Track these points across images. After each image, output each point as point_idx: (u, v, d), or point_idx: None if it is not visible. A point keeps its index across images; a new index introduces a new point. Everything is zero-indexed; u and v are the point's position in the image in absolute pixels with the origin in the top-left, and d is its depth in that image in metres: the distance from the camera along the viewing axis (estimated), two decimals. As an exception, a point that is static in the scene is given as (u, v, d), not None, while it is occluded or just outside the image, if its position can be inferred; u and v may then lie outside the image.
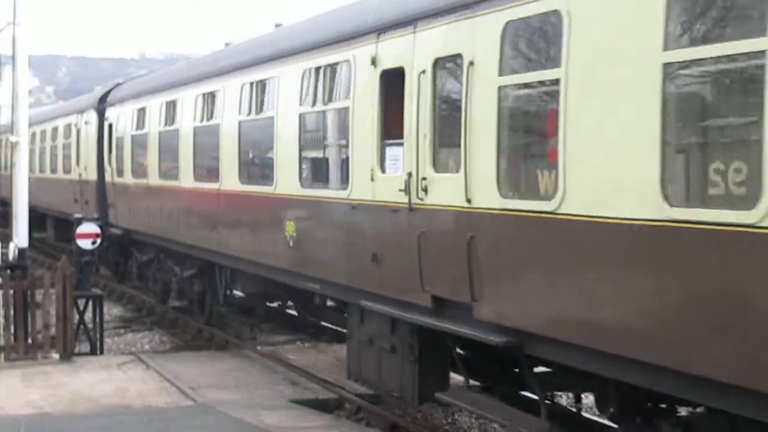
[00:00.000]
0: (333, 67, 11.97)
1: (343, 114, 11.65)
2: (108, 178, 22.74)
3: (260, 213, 14.20)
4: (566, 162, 7.76)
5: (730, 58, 6.35)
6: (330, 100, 12.10)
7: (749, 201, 6.17)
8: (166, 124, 18.44)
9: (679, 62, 6.73)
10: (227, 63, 15.78)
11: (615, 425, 9.04)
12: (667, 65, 6.77)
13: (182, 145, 17.36)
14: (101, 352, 16.15)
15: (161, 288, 20.35)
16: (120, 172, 21.65)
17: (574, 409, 10.89)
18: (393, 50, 10.50)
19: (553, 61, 7.97)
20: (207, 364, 15.01)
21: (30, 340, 15.30)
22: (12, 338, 15.41)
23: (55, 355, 15.24)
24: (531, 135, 8.61)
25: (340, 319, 15.84)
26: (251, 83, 14.45)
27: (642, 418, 8.54)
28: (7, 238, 17.49)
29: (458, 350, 10.78)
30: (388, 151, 10.68)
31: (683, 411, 8.40)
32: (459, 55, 9.26)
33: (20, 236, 16.51)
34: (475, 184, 8.95)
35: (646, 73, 6.90)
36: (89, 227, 16.68)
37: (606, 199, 7.37)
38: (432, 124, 9.75)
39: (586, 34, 7.60)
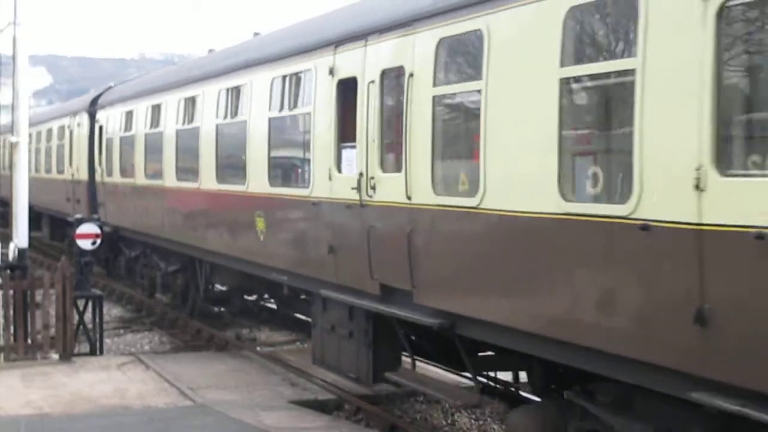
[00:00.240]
0: (297, 76, 13.03)
1: (305, 119, 12.71)
2: (98, 178, 23.81)
3: (234, 210, 15.26)
4: (486, 163, 8.82)
5: (608, 74, 7.42)
6: (295, 105, 13.16)
7: (623, 197, 7.23)
8: (151, 126, 19.50)
9: (571, 77, 7.80)
10: (206, 70, 16.86)
11: (538, 398, 10.08)
12: (563, 80, 7.84)
13: (166, 147, 18.42)
14: (101, 353, 16.20)
15: (148, 282, 21.42)
16: (109, 172, 22.72)
17: (508, 388, 11.88)
18: (348, 62, 11.57)
19: (477, 74, 9.02)
20: (206, 365, 15.14)
21: (30, 341, 15.33)
22: (12, 338, 15.42)
23: (55, 356, 15.29)
24: (459, 139, 9.66)
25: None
26: (227, 89, 15.52)
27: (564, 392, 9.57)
28: (7, 239, 17.57)
29: (410, 335, 11.81)
30: (344, 152, 11.73)
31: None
32: (401, 68, 10.32)
33: (20, 236, 16.58)
34: (414, 182, 10.01)
35: (547, 87, 7.97)
36: (89, 228, 16.76)
37: (517, 195, 8.43)
38: (379, 129, 10.82)
39: (502, 51, 8.66)
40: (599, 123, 7.80)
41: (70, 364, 14.93)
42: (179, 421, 11.63)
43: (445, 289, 9.73)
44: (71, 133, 26.91)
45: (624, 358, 7.47)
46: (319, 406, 12.63)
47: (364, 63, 11.13)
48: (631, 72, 7.08)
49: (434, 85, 9.72)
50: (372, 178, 10.90)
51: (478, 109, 8.94)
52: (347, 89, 11.58)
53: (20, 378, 13.90)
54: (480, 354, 10.71)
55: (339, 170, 11.79)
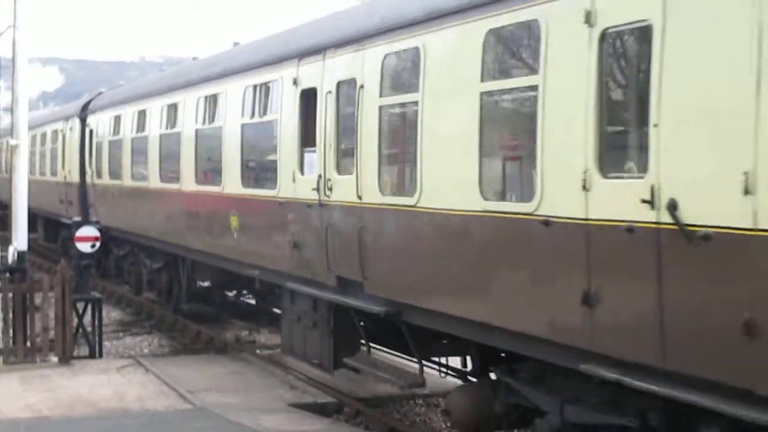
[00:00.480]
0: (267, 85, 14.11)
1: (273, 125, 13.78)
2: (88, 180, 24.88)
3: (212, 210, 16.32)
4: (422, 167, 9.89)
5: (518, 89, 8.51)
6: (264, 113, 14.24)
7: (529, 197, 8.31)
8: (137, 130, 20.57)
9: (489, 91, 8.88)
10: (186, 78, 17.93)
11: (475, 379, 11.12)
12: (482, 93, 8.92)
13: (150, 150, 19.49)
14: (100, 356, 16.13)
15: (135, 279, 22.48)
16: (99, 174, 23.79)
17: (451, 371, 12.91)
18: (309, 73, 12.64)
19: (414, 87, 10.10)
20: (206, 368, 15.15)
21: (29, 344, 15.31)
22: (11, 341, 15.38)
23: (54, 359, 15.26)
24: (400, 145, 10.72)
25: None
26: (205, 97, 16.60)
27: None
28: (6, 242, 17.66)
29: (367, 324, 12.86)
30: (306, 156, 12.80)
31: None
32: (354, 80, 11.40)
33: (19, 239, 16.58)
34: (363, 184, 11.08)
35: (470, 99, 9.04)
36: (88, 231, 16.68)
37: (446, 194, 9.50)
38: (335, 135, 11.89)
39: (435, 67, 9.74)
40: (512, 132, 8.88)
41: (69, 367, 14.98)
42: (178, 424, 11.66)
43: (390, 279, 10.80)
44: (64, 136, 27.96)
45: (536, 338, 8.54)
46: (319, 409, 12.69)
47: (323, 75, 12.21)
48: (535, 88, 8.16)
49: (380, 96, 10.80)
50: (329, 179, 11.97)
51: (416, 118, 10.01)
52: (309, 99, 12.64)
53: (19, 381, 13.93)
54: (441, 340, 11.71)
55: (302, 173, 12.85)
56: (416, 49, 10.07)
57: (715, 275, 6.48)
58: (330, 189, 11.95)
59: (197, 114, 16.92)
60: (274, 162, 13.71)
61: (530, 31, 8.32)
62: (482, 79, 8.93)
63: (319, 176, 12.19)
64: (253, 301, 20.79)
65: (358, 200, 11.21)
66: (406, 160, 10.49)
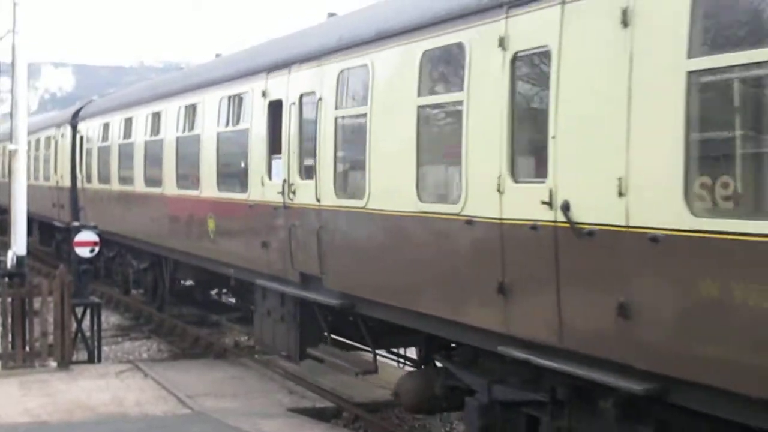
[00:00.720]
0: (239, 97, 15.19)
1: (245, 134, 14.85)
2: (79, 184, 25.98)
3: (191, 212, 17.39)
4: (370, 172, 10.97)
5: (447, 103, 9.59)
6: (237, 122, 15.32)
7: (455, 201, 9.38)
8: (124, 137, 21.65)
9: (425, 105, 9.96)
10: (168, 88, 19.02)
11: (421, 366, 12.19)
12: (419, 107, 10.00)
13: (136, 156, 20.57)
14: (99, 361, 16.24)
15: (122, 279, 23.56)
16: (89, 179, 24.88)
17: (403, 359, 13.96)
18: (276, 86, 13.72)
19: (364, 100, 11.18)
20: (205, 373, 15.22)
21: (28, 348, 15.33)
22: (10, 346, 15.35)
23: (53, 363, 15.31)
24: (353, 153, 11.78)
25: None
26: (185, 106, 17.68)
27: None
28: (5, 246, 17.65)
29: (329, 316, 13.91)
30: (274, 162, 13.88)
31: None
32: (314, 92, 12.48)
33: (18, 244, 16.62)
34: (321, 188, 12.16)
35: (409, 112, 10.12)
36: (87, 236, 16.69)
37: (390, 197, 10.57)
38: (298, 143, 12.97)
39: (381, 82, 10.82)
40: (443, 142, 9.94)
41: (68, 371, 15.02)
42: (177, 428, 11.76)
43: (345, 275, 11.87)
44: (56, 143, 29.02)
45: (466, 326, 9.60)
46: (318, 414, 12.79)
47: (288, 88, 13.29)
48: (460, 103, 9.24)
49: (336, 108, 11.88)
50: (292, 184, 13.04)
51: (365, 128, 11.09)
52: (276, 109, 13.72)
53: (18, 386, 13.98)
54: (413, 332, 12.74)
55: (270, 178, 13.93)
56: (366, 66, 11.15)
57: (597, 266, 7.56)
58: (293, 193, 13.02)
59: (178, 122, 18.00)
60: (246, 168, 14.78)
61: (458, 52, 9.40)
62: (419, 95, 10.02)
63: (284, 181, 13.26)
64: (233, 300, 21.83)
65: (317, 203, 12.28)
66: (357, 166, 11.55)
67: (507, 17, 8.62)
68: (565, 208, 7.81)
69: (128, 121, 21.40)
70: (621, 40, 7.25)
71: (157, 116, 19.38)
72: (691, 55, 6.65)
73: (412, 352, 13.54)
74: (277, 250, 13.65)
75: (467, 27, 9.21)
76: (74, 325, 15.92)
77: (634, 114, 7.13)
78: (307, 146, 12.71)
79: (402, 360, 13.29)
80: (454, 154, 9.45)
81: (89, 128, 25.08)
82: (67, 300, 15.40)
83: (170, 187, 18.43)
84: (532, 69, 8.44)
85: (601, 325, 7.55)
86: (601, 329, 7.55)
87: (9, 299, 15.44)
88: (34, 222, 34.90)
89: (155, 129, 19.49)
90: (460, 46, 9.33)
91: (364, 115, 11.12)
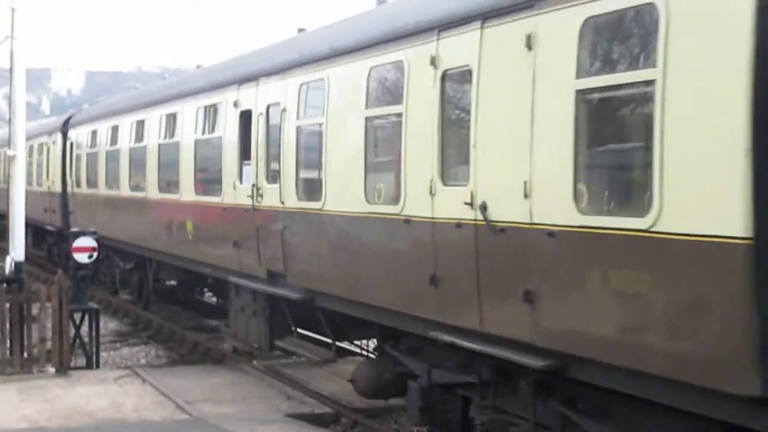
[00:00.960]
0: (214, 106, 16.27)
1: (219, 141, 15.92)
2: (69, 189, 27.05)
3: (172, 215, 18.45)
4: (326, 176, 12.04)
5: (390, 115, 10.68)
6: (213, 130, 16.39)
7: (396, 202, 10.45)
8: (110, 144, 22.73)
9: (372, 116, 11.05)
10: (151, 98, 20.10)
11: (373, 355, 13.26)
12: (367, 118, 11.08)
13: (122, 161, 21.65)
14: (97, 366, 16.19)
15: (110, 280, 24.61)
16: (78, 184, 25.96)
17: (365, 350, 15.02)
18: (246, 97, 14.79)
19: (321, 112, 12.25)
20: (203, 378, 15.25)
21: (26, 354, 15.37)
22: (8, 352, 15.38)
23: (51, 369, 15.34)
24: (313, 160, 12.83)
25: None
26: (166, 115, 18.75)
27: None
28: (4, 252, 17.65)
29: (295, 310, 14.95)
30: (244, 168, 14.94)
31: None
32: (279, 103, 13.55)
33: (17, 250, 16.66)
34: (285, 191, 13.22)
35: (358, 122, 11.19)
36: (86, 241, 16.66)
37: (343, 200, 11.64)
38: (265, 150, 14.04)
39: (336, 95, 11.89)
40: (387, 150, 11.02)
41: (66, 377, 15.07)
42: None
43: (306, 271, 12.93)
44: (48, 150, 30.08)
45: (408, 315, 10.66)
46: (316, 420, 12.87)
47: (257, 99, 14.36)
48: (400, 114, 10.32)
49: (298, 118, 12.95)
50: (260, 188, 14.11)
51: (321, 137, 12.16)
52: (246, 119, 14.79)
53: (16, 392, 14.02)
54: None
55: (241, 182, 14.99)
56: (323, 80, 12.23)
57: (508, 258, 8.63)
58: (261, 196, 14.08)
59: (160, 130, 19.07)
60: (220, 173, 15.84)
61: (398, 69, 10.48)
62: (367, 107, 11.10)
63: (253, 185, 14.32)
64: (214, 298, 22.86)
65: (281, 205, 13.35)
66: (315, 171, 12.61)
67: (438, 39, 9.70)
68: (483, 208, 8.88)
69: (114, 129, 22.48)
70: (526, 61, 8.32)
71: (141, 124, 20.44)
72: (578, 76, 7.73)
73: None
74: (248, 249, 14.70)
75: (406, 47, 10.29)
76: (72, 331, 15.91)
77: (536, 126, 8.20)
78: (273, 153, 13.77)
79: (363, 350, 14.33)
80: (396, 161, 10.52)
81: (79, 135, 26.15)
82: (65, 306, 15.40)
83: (153, 192, 19.49)
84: (457, 85, 9.51)
85: (512, 310, 8.60)
86: (512, 314, 8.61)
87: (7, 305, 15.40)
88: (27, 226, 35.87)
89: (139, 136, 20.56)
90: (400, 64, 10.41)
91: (321, 124, 12.19)
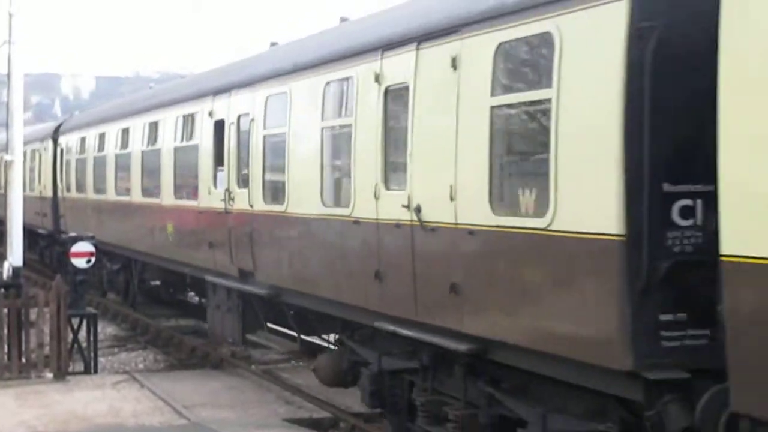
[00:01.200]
0: (192, 116, 17.35)
1: (196, 148, 17.00)
2: (60, 194, 28.15)
3: (154, 218, 19.53)
4: (289, 181, 13.12)
5: (342, 125, 11.76)
6: (190, 138, 17.47)
7: (347, 205, 11.53)
8: (98, 150, 23.82)
9: (327, 126, 12.13)
10: (135, 107, 21.20)
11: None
12: (323, 128, 12.16)
13: (108, 167, 22.74)
14: (95, 371, 16.25)
15: (98, 281, 25.65)
16: (68, 189, 27.07)
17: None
18: (220, 107, 15.88)
19: (285, 122, 13.32)
20: (201, 383, 15.37)
21: (24, 359, 15.40)
22: (6, 357, 15.41)
23: (49, 374, 15.43)
24: (277, 166, 13.89)
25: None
26: (149, 123, 19.84)
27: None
28: (1, 257, 17.82)
29: (264, 306, 16.00)
30: (218, 174, 16.02)
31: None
32: (248, 114, 14.63)
33: (14, 255, 16.72)
34: (253, 195, 14.30)
35: (315, 132, 12.27)
36: (84, 246, 16.79)
37: (303, 202, 12.72)
38: (237, 157, 15.12)
39: (297, 107, 12.98)
40: (339, 157, 12.10)
41: (64, 382, 15.14)
42: None
43: (272, 269, 14.01)
44: (40, 155, 31.17)
45: (360, 308, 11.72)
46: (314, 425, 12.96)
47: (229, 109, 15.45)
48: (350, 125, 11.41)
49: (264, 127, 14.04)
50: (232, 192, 15.19)
51: (285, 145, 13.24)
52: (220, 128, 15.87)
53: (14, 397, 14.06)
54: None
55: (215, 187, 16.08)
56: (286, 93, 13.31)
57: (438, 255, 9.70)
58: (233, 200, 15.16)
59: (143, 137, 20.16)
60: (197, 178, 16.92)
61: (349, 84, 11.57)
62: (322, 118, 12.19)
63: (226, 189, 15.40)
64: (196, 298, 23.91)
65: (250, 208, 14.43)
66: (279, 176, 13.69)
67: (382, 58, 10.79)
68: (417, 210, 9.96)
69: (102, 136, 23.56)
70: (452, 80, 9.40)
71: (126, 132, 21.52)
72: (493, 93, 8.81)
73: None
74: (221, 249, 15.78)
75: (356, 64, 11.37)
76: (70, 336, 15.98)
77: (460, 137, 9.28)
78: (243, 159, 14.85)
79: (328, 343, 15.39)
80: (347, 167, 11.61)
81: (68, 142, 27.25)
82: (63, 311, 15.48)
83: (137, 196, 20.57)
84: (397, 100, 10.59)
85: (441, 300, 9.68)
86: (441, 303, 9.69)
87: (5, 310, 15.50)
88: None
89: (124, 143, 21.64)
90: (350, 79, 11.49)
91: (284, 133, 13.27)
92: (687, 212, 7.41)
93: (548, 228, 8.07)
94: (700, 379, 7.21)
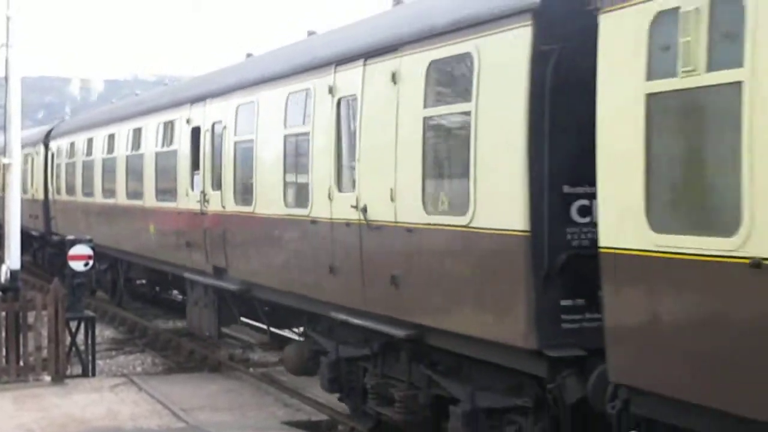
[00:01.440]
0: (171, 123, 18.42)
1: (175, 153, 18.07)
2: (50, 196, 29.22)
3: (137, 219, 20.59)
4: (256, 184, 14.18)
5: (301, 133, 12.82)
6: (170, 144, 18.53)
7: (305, 206, 12.58)
8: (86, 154, 24.89)
9: (288, 134, 13.19)
10: (121, 114, 22.27)
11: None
12: (285, 136, 13.23)
13: (95, 171, 23.81)
14: (93, 375, 16.20)
15: (88, 280, 26.68)
16: (58, 191, 28.14)
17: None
18: (196, 115, 16.94)
19: (253, 129, 14.38)
20: (199, 386, 15.41)
21: (22, 363, 15.39)
22: (3, 360, 15.41)
23: (47, 378, 15.40)
24: (246, 170, 14.94)
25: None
26: (133, 129, 20.90)
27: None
28: None
29: (237, 301, 17.04)
30: (195, 177, 17.08)
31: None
32: (221, 121, 15.70)
33: (12, 258, 16.69)
34: (225, 197, 15.36)
35: (279, 139, 13.33)
36: (82, 249, 16.86)
37: (269, 204, 13.78)
38: (211, 161, 16.18)
39: (264, 115, 14.04)
40: (299, 163, 13.16)
41: (62, 386, 15.14)
42: None
43: (243, 265, 15.07)
44: (32, 159, 32.23)
45: (319, 300, 12.78)
46: (313, 427, 13.02)
47: (204, 117, 16.51)
48: (308, 134, 12.48)
49: (235, 134, 15.11)
50: (207, 194, 16.25)
51: (252, 151, 14.31)
52: (197, 134, 16.94)
53: (12, 400, 14.07)
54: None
55: (192, 189, 17.14)
56: (254, 102, 14.38)
57: (381, 250, 10.77)
58: (207, 201, 16.23)
59: (128, 143, 21.23)
60: (175, 181, 17.98)
61: (307, 95, 12.63)
62: (284, 126, 13.26)
63: (202, 192, 16.46)
64: (180, 296, 24.95)
65: (222, 209, 15.50)
66: (249, 179, 14.75)
67: (335, 72, 11.86)
68: (364, 210, 11.03)
69: (90, 141, 24.63)
70: (392, 93, 10.47)
71: (112, 137, 22.59)
72: (425, 106, 9.89)
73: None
74: (197, 248, 16.83)
75: (313, 78, 12.44)
76: (68, 339, 15.99)
77: (399, 144, 10.35)
78: (217, 164, 15.91)
79: (297, 335, 16.46)
80: (306, 172, 12.67)
81: (58, 146, 28.32)
82: (61, 314, 15.49)
83: (122, 198, 21.63)
84: (348, 110, 11.67)
85: (384, 291, 10.74)
86: (384, 294, 10.75)
87: (3, 313, 15.50)
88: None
89: (111, 148, 22.70)
90: (308, 91, 12.56)
91: (252, 140, 14.34)
92: (584, 211, 8.49)
93: (469, 225, 9.15)
94: (594, 357, 8.27)
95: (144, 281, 24.26)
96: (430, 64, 9.87)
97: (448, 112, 9.67)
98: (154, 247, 19.60)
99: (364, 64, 11.17)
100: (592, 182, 8.30)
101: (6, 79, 17.07)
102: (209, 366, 17.58)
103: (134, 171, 20.87)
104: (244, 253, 14.92)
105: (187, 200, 17.24)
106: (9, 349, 15.45)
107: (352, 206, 11.29)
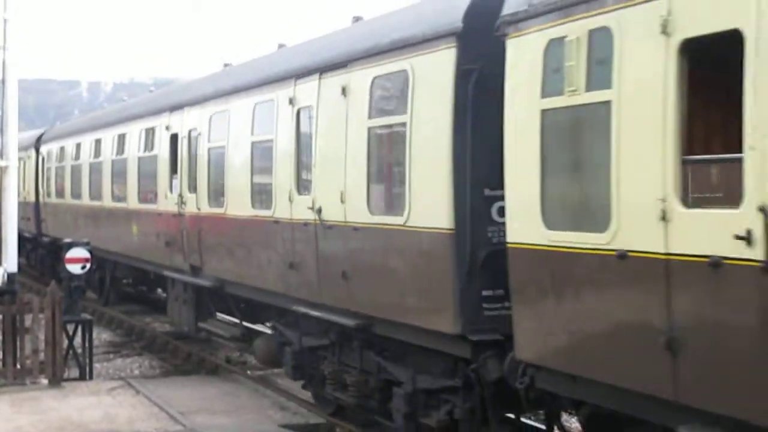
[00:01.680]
0: (153, 129, 19.49)
1: (155, 158, 19.13)
2: (41, 199, 30.27)
3: (121, 220, 21.65)
4: (227, 187, 15.25)
5: (265, 140, 13.89)
6: (151, 149, 19.60)
7: (269, 208, 13.64)
8: (75, 159, 25.95)
9: (255, 141, 14.26)
10: (105, 120, 23.36)
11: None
12: (253, 143, 14.30)
13: (83, 174, 24.87)
14: (90, 378, 16.19)
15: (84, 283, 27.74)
16: (48, 194, 29.19)
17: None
18: (175, 122, 18.01)
19: (225, 136, 15.45)
20: (196, 389, 15.48)
21: (19, 366, 15.39)
22: (1, 364, 15.44)
23: (44, 381, 15.38)
24: (219, 174, 16.00)
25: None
26: (118, 135, 21.97)
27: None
28: None
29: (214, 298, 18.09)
30: (174, 181, 18.15)
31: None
32: (197, 128, 16.77)
33: (9, 261, 16.67)
34: (200, 199, 16.43)
35: (247, 146, 14.41)
36: (79, 252, 16.90)
37: (238, 206, 14.84)
38: (188, 166, 17.25)
39: (235, 123, 15.11)
40: (264, 168, 14.22)
41: (59, 389, 15.15)
42: None
43: (216, 263, 16.14)
44: (24, 163, 33.25)
45: (281, 294, 13.84)
46: (310, 431, 13.15)
47: (182, 124, 17.58)
48: (272, 141, 13.55)
49: (209, 141, 16.18)
50: (184, 197, 17.32)
51: (224, 157, 15.37)
52: (175, 140, 18.01)
53: (9, 403, 14.09)
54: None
55: (171, 192, 18.20)
56: (226, 111, 15.45)
57: (333, 248, 11.84)
58: (184, 203, 17.30)
59: (113, 147, 22.30)
60: (156, 184, 19.04)
61: (271, 105, 13.71)
62: (252, 134, 14.34)
63: (179, 194, 17.53)
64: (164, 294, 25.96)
65: (198, 210, 16.56)
66: (220, 183, 15.82)
67: (295, 85, 12.94)
68: (319, 211, 12.10)
69: (78, 146, 25.70)
70: (342, 105, 11.55)
71: (98, 142, 23.66)
72: (369, 117, 10.97)
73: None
74: (176, 247, 17.90)
75: (277, 89, 13.52)
76: (65, 342, 16.01)
77: (348, 151, 11.42)
78: (193, 168, 16.98)
79: (268, 329, 17.52)
80: (269, 175, 13.75)
81: (49, 151, 29.39)
82: (58, 317, 15.47)
83: (108, 201, 22.71)
84: (306, 120, 12.75)
85: (337, 285, 11.81)
86: (337, 288, 11.82)
87: (0, 316, 15.49)
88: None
89: (98, 152, 23.77)
90: (273, 101, 13.64)
91: (224, 146, 15.41)
92: (503, 211, 9.54)
93: (405, 224, 10.23)
94: (511, 341, 9.35)
95: (130, 280, 25.29)
96: (373, 80, 10.94)
97: (388, 122, 10.76)
98: (137, 247, 20.66)
99: (320, 78, 12.25)
100: (511, 186, 9.40)
101: (3, 81, 16.92)
102: (207, 369, 17.75)
103: (119, 175, 21.94)
104: (217, 252, 15.99)
105: (167, 202, 18.31)
106: (6, 352, 15.45)
107: (308, 208, 12.36)
